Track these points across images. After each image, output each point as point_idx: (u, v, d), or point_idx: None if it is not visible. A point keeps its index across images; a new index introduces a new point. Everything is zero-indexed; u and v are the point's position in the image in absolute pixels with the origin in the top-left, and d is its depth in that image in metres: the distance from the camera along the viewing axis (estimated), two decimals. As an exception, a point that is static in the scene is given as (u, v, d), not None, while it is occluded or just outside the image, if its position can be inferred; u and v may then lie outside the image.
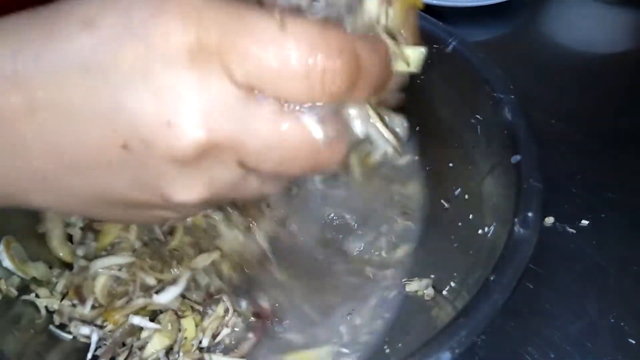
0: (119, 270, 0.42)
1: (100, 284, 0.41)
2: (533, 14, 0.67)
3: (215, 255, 0.42)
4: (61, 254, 0.44)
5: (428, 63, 0.46)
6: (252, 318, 0.41)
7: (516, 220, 0.34)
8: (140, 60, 0.18)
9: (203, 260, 0.42)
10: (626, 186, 0.49)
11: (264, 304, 0.41)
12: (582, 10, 0.67)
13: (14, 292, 0.40)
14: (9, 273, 0.40)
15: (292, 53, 0.18)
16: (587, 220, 0.47)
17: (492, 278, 0.32)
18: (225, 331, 0.40)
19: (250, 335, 0.40)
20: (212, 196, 0.22)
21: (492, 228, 0.38)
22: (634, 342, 0.40)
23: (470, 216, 0.42)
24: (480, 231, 0.39)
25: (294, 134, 0.20)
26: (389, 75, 0.23)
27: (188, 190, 0.21)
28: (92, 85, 0.19)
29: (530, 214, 0.34)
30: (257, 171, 0.22)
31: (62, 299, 0.42)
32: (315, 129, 0.21)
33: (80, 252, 0.44)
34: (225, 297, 0.41)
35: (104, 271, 0.41)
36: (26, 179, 0.21)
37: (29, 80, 0.19)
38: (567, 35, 0.64)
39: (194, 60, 0.18)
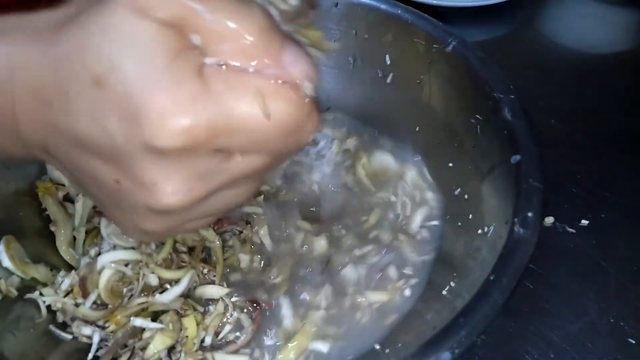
0: (125, 266, 0.42)
1: (105, 278, 0.41)
2: (533, 14, 0.67)
3: (227, 290, 0.42)
4: (67, 257, 0.44)
5: (428, 63, 0.47)
6: (249, 307, 0.41)
7: (516, 220, 0.34)
8: (134, 133, 0.21)
9: (215, 291, 0.42)
10: (626, 186, 0.49)
11: (261, 296, 0.42)
12: (582, 10, 0.67)
13: (14, 292, 0.40)
14: (9, 273, 0.40)
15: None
16: (587, 220, 0.47)
17: (492, 278, 0.32)
18: (228, 327, 0.40)
19: (249, 323, 0.40)
20: (195, 194, 0.23)
21: (492, 228, 0.38)
22: (634, 342, 0.40)
23: (470, 216, 0.42)
24: (480, 231, 0.39)
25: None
26: None
27: (171, 181, 0.22)
28: (97, 130, 0.21)
29: (530, 214, 0.34)
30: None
31: (64, 296, 0.42)
32: None
33: (92, 252, 0.44)
34: (224, 296, 0.41)
35: (110, 265, 0.41)
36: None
37: (50, 99, 0.22)
38: (567, 35, 0.64)
39: (185, 144, 0.21)
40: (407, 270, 0.43)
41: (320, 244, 0.44)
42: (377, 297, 0.42)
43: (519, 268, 0.32)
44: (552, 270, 0.44)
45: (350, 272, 0.43)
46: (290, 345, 0.39)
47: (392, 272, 0.43)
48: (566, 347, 0.40)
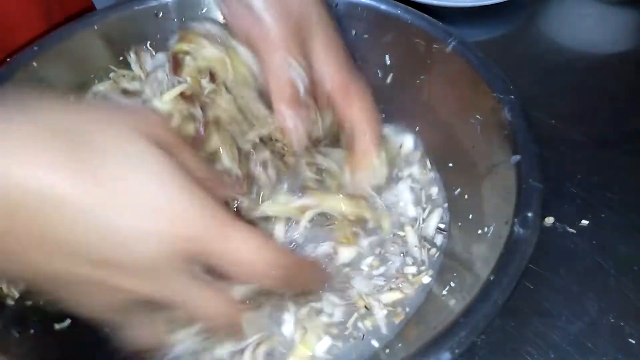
0: None
1: None
2: (533, 14, 0.67)
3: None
4: None
5: (428, 63, 0.47)
6: None
7: (516, 220, 0.34)
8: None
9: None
10: (626, 186, 0.49)
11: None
12: (582, 10, 0.67)
13: (15, 293, 0.40)
14: (10, 273, 0.40)
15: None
16: (587, 220, 0.47)
17: (492, 278, 0.32)
18: None
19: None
20: None
21: (492, 228, 0.38)
22: (634, 342, 0.40)
23: (470, 216, 0.42)
24: (480, 231, 0.39)
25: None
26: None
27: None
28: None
29: (530, 214, 0.34)
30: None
31: None
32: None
33: None
34: None
35: None
36: None
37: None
38: (567, 35, 0.64)
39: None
40: (416, 272, 0.43)
41: (348, 252, 0.44)
42: (386, 298, 0.41)
43: (519, 268, 0.32)
44: (552, 270, 0.44)
45: (360, 282, 0.42)
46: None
47: (401, 276, 0.43)
48: (566, 347, 0.40)
